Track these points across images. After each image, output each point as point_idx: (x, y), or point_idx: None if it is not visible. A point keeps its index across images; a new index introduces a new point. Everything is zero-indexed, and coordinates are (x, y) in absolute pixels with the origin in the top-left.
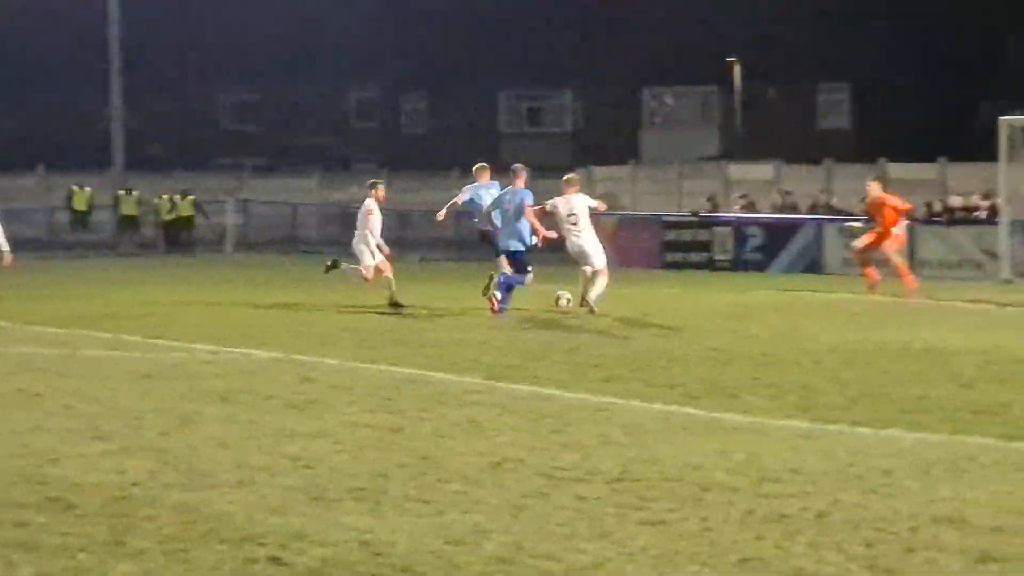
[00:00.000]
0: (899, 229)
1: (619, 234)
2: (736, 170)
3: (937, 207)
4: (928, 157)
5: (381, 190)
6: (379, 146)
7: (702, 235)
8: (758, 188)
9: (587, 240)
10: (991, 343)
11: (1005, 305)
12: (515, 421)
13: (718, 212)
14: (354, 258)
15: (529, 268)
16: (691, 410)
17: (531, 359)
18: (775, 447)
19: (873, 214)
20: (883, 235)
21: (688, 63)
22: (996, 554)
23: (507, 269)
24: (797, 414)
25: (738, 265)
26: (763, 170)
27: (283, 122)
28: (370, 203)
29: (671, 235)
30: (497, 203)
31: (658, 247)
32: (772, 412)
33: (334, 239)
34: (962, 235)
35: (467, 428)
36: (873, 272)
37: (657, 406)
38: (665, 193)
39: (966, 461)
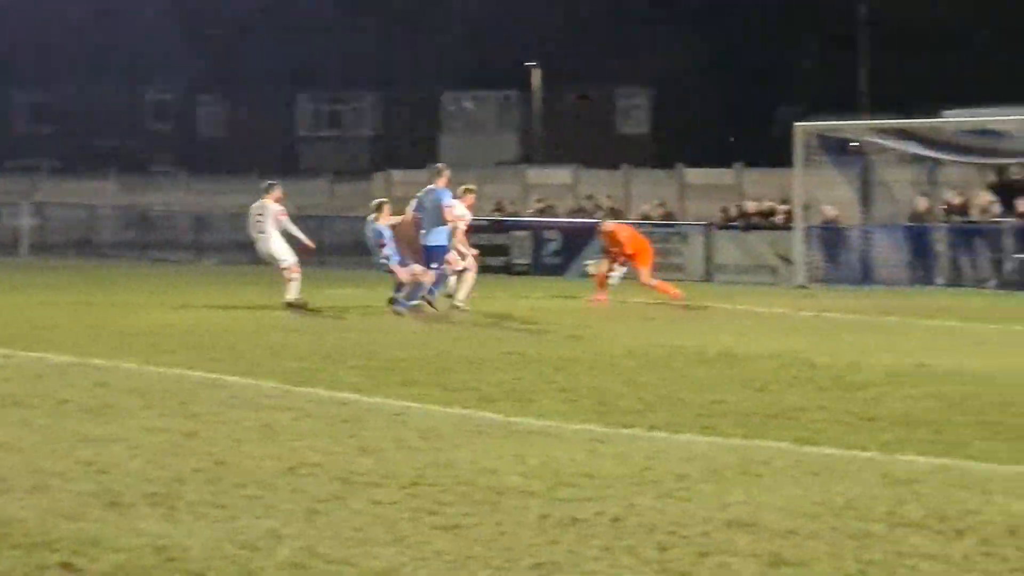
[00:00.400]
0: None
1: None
2: (535, 174)
3: (733, 212)
4: (725, 162)
5: (279, 190)
6: (176, 148)
7: (499, 239)
8: (557, 192)
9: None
10: (786, 348)
11: (800, 310)
12: (312, 425)
13: (517, 216)
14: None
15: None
16: (487, 414)
17: (329, 363)
18: (571, 451)
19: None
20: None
21: (487, 68)
22: (788, 557)
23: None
24: (593, 418)
25: (537, 269)
26: (562, 175)
27: (78, 123)
28: (272, 205)
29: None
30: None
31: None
32: (568, 416)
33: (132, 242)
34: (758, 240)
35: (263, 433)
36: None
37: (454, 410)
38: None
39: (760, 465)
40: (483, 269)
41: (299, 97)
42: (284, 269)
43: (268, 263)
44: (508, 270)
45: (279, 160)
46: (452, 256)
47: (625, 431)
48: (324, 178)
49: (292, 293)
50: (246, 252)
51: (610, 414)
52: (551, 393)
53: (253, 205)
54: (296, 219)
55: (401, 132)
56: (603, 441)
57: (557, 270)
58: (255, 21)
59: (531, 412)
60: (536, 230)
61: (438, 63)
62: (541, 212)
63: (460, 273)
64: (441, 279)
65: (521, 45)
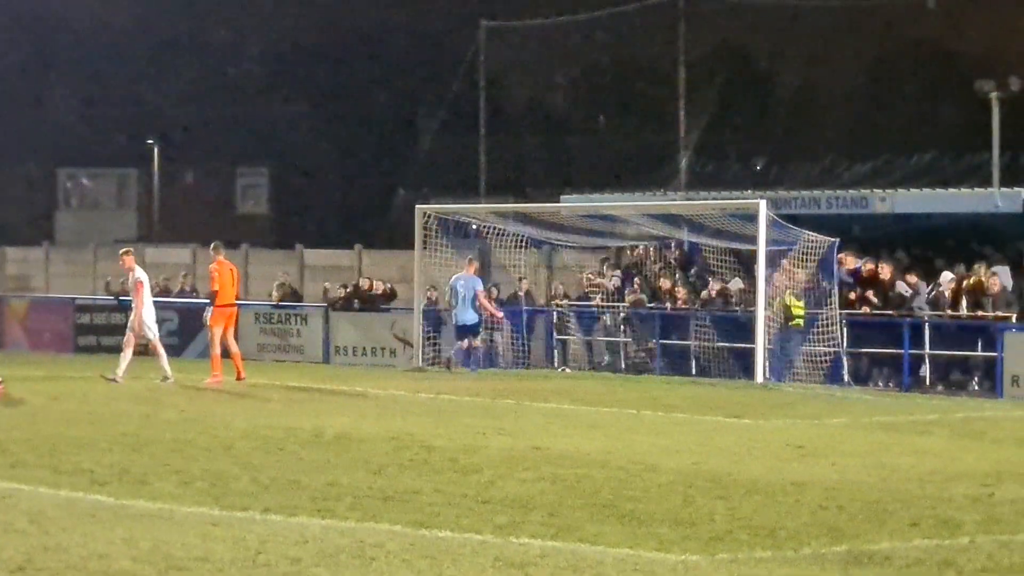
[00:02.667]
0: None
1: (30, 316)
2: (153, 253)
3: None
4: (346, 244)
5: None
6: None
7: (116, 318)
8: (175, 271)
9: None
10: (402, 430)
11: (417, 392)
12: None
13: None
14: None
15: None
16: (99, 497)
17: None
18: (183, 535)
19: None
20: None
21: (106, 144)
22: None
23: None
24: (207, 501)
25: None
26: (181, 253)
27: None
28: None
29: (84, 318)
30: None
31: (71, 330)
32: (182, 499)
33: None
34: (376, 321)
35: None
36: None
37: (64, 493)
38: (80, 275)
39: (374, 548)
40: (99, 348)
41: None
42: None
43: None
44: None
45: None
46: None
47: (239, 514)
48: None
49: None
50: None
51: (225, 496)
52: (165, 475)
53: None
54: None
55: (14, 207)
56: (217, 524)
57: (173, 350)
58: None
59: (144, 495)
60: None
61: (54, 138)
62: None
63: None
64: None
65: (141, 121)
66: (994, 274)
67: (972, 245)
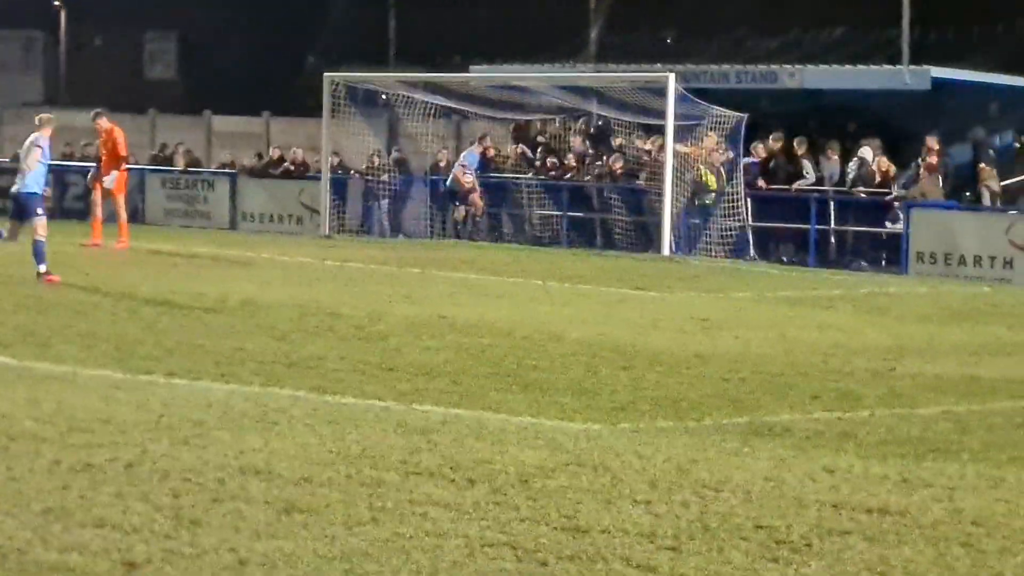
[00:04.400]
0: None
1: None
2: (62, 117)
3: (258, 161)
4: (254, 111)
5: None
6: None
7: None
8: (81, 136)
9: None
10: (308, 297)
11: (324, 260)
12: None
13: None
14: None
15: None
16: (2, 358)
17: None
18: (86, 397)
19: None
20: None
21: (11, 4)
22: (301, 504)
23: None
24: (111, 364)
25: (58, 214)
26: (86, 118)
27: None
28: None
29: None
30: None
31: None
32: (85, 362)
33: None
34: (284, 189)
35: None
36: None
37: None
38: None
39: (277, 413)
40: (5, 212)
41: None
42: None
43: None
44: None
45: None
46: None
47: (143, 377)
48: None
49: None
50: None
51: (128, 360)
52: (69, 338)
53: None
54: None
55: None
56: (120, 387)
57: (80, 215)
58: None
59: (48, 357)
60: (58, 173)
61: None
62: (65, 156)
63: None
64: None
65: None
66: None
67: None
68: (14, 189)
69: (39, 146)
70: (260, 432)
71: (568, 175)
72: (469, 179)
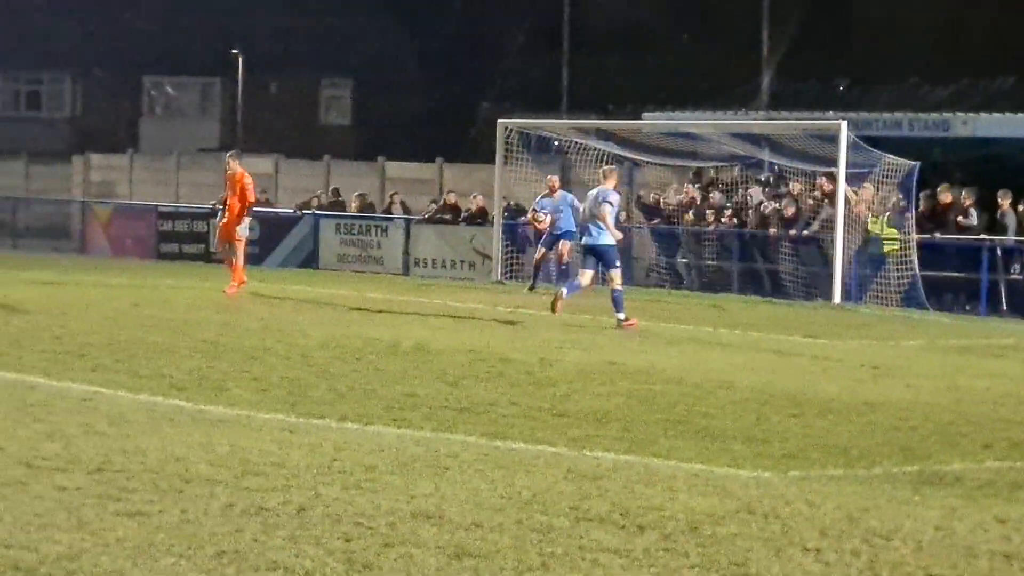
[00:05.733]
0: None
1: (113, 223)
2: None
3: (433, 207)
4: (427, 157)
5: None
6: None
7: (198, 226)
8: (259, 182)
9: None
10: (480, 342)
11: (495, 305)
12: None
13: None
14: None
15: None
16: (177, 401)
17: (16, 347)
18: (260, 440)
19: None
20: (231, 220)
21: (190, 52)
22: (472, 550)
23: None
24: (284, 408)
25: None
26: (264, 164)
27: None
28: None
29: (167, 225)
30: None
31: (154, 237)
32: (259, 405)
33: None
34: (456, 235)
35: None
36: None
37: (143, 396)
38: (163, 183)
39: (448, 458)
40: (180, 256)
41: None
42: None
43: None
44: (206, 258)
45: None
46: None
47: (316, 421)
48: (20, 159)
49: None
50: None
51: (301, 404)
52: (243, 382)
53: None
54: None
55: (100, 115)
56: (293, 431)
57: (255, 259)
58: None
59: (222, 401)
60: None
61: (139, 45)
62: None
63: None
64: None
65: (225, 30)
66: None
67: None
68: (586, 241)
69: (609, 201)
70: (431, 477)
71: (742, 222)
72: (541, 218)
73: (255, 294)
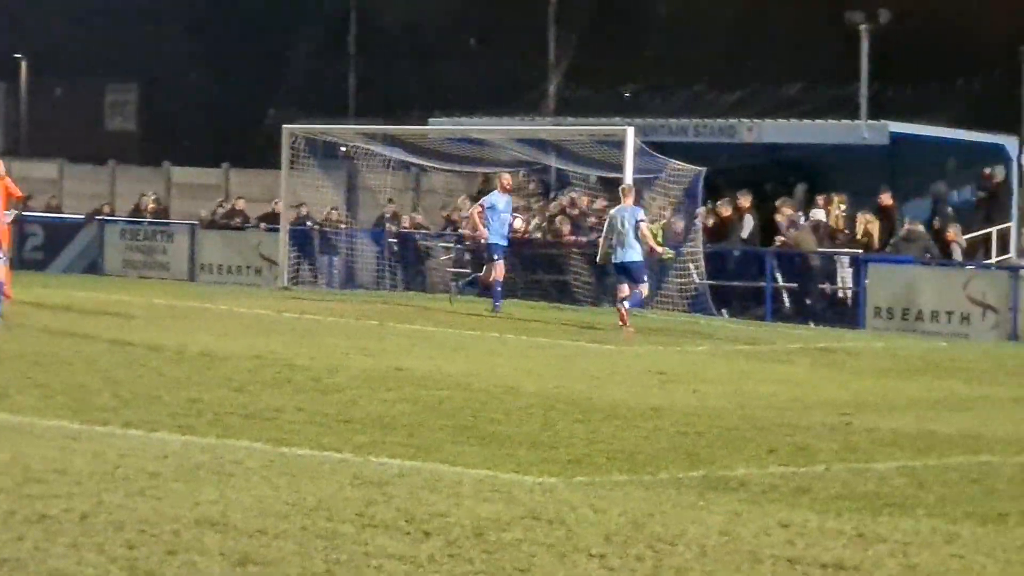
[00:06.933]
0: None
1: None
2: (20, 167)
3: (219, 212)
4: (214, 162)
5: None
6: None
7: None
8: (41, 187)
9: None
10: (266, 348)
11: (282, 312)
12: None
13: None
14: None
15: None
16: None
17: None
18: (42, 447)
19: None
20: None
21: None
22: (256, 557)
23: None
24: (67, 415)
25: (17, 264)
26: (48, 168)
27: None
28: None
29: None
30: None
31: None
32: (42, 412)
33: None
34: (243, 240)
35: None
36: None
37: None
38: None
39: (233, 465)
40: None
41: None
42: None
43: None
44: None
45: None
46: None
47: (99, 428)
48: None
49: None
50: None
51: (85, 410)
52: (26, 389)
53: None
54: None
55: None
56: (76, 438)
57: (39, 265)
58: None
59: (3, 408)
60: (18, 224)
61: None
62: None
63: None
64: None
65: (9, 35)
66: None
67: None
68: (617, 259)
69: (642, 220)
70: (216, 484)
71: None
72: (519, 224)
73: (37, 303)
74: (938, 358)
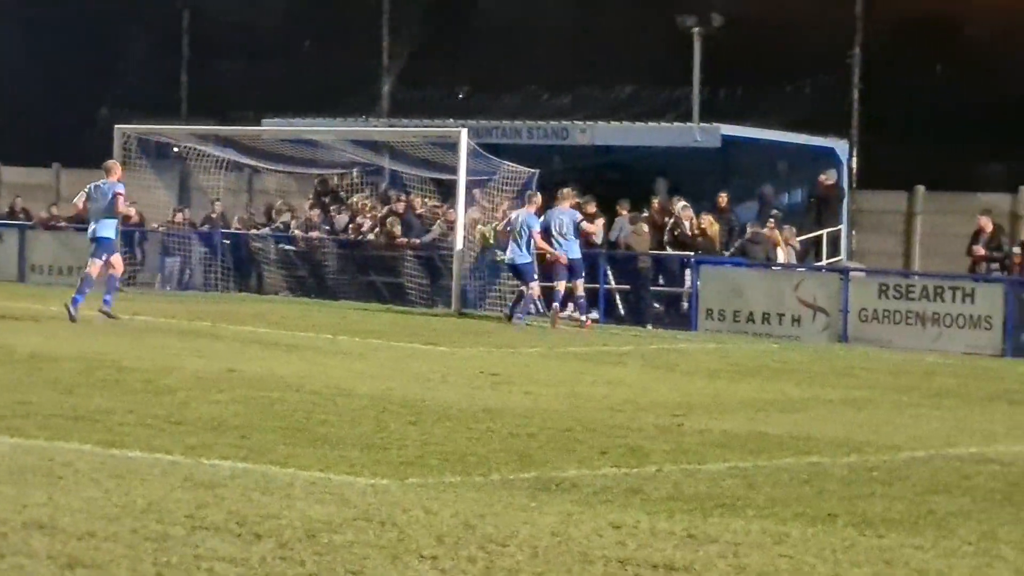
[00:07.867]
0: None
1: None
2: None
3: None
4: (44, 162)
5: None
6: None
7: None
8: None
9: None
10: (95, 350)
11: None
12: None
13: None
14: None
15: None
16: None
17: None
18: None
19: None
20: None
21: None
22: (85, 560)
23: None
24: None
25: None
26: None
27: None
28: None
29: None
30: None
31: None
32: None
33: None
34: (74, 241)
35: None
36: None
37: None
38: None
39: (62, 467)
40: None
41: None
42: None
43: None
44: None
45: None
46: None
47: None
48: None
49: None
50: None
51: None
52: None
53: None
54: None
55: None
56: None
57: None
58: None
59: None
60: None
61: None
62: None
63: None
64: None
65: None
66: (686, 207)
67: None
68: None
69: (579, 220)
70: (44, 486)
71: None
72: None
73: None
74: (769, 360)
